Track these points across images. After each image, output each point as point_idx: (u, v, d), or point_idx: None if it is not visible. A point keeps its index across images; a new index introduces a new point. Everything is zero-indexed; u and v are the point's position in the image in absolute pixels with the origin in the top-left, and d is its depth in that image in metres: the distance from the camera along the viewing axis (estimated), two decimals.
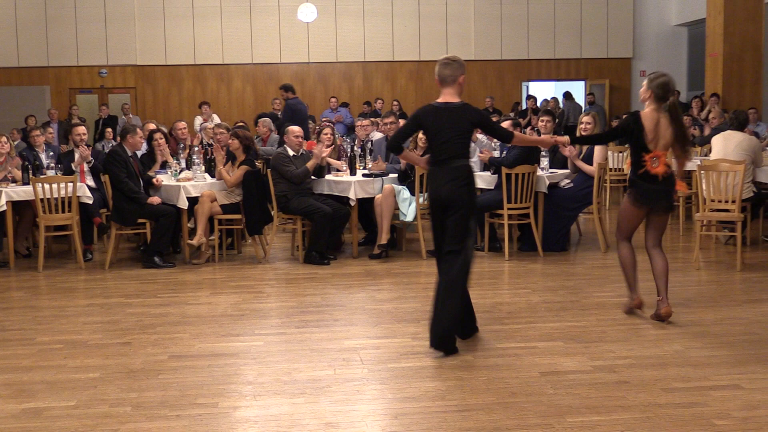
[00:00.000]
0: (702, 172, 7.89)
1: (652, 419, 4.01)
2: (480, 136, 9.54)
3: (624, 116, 6.30)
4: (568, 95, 17.51)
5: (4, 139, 8.86)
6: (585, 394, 4.37)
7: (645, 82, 5.68)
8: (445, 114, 5.12)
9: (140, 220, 8.19)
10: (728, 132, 8.49)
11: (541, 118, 9.21)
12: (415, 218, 8.22)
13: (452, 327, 5.06)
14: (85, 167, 8.94)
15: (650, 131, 5.47)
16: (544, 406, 4.19)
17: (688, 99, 15.97)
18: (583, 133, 8.51)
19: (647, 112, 5.53)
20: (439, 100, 5.19)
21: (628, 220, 5.90)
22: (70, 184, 8.16)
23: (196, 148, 9.22)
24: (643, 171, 5.53)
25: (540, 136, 8.77)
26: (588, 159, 8.42)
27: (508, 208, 8.07)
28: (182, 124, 10.22)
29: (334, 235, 8.47)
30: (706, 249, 8.43)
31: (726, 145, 8.31)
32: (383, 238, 8.20)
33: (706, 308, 6.24)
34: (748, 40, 13.33)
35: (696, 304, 6.38)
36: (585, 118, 8.65)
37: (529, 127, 9.70)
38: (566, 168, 8.67)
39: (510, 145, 7.74)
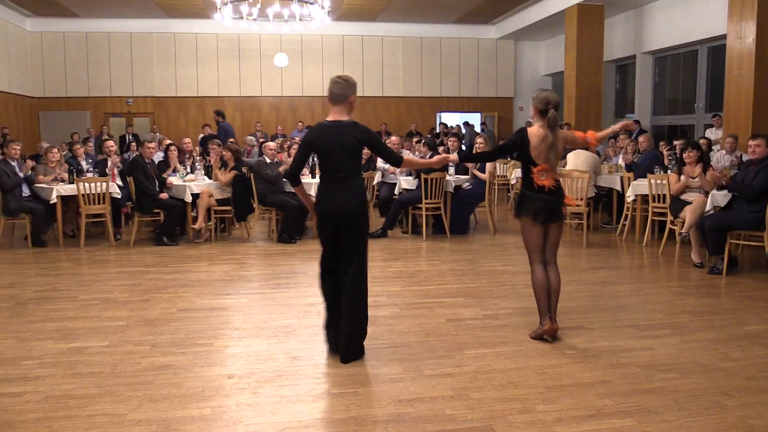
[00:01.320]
0: (560, 178, 8.07)
1: (523, 351, 4.11)
2: (405, 152, 9.55)
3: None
4: (467, 123, 17.64)
5: (56, 150, 8.60)
6: (478, 334, 4.44)
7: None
8: (334, 131, 3.88)
9: (156, 210, 8.04)
10: (577, 150, 8.68)
11: (450, 139, 9.28)
12: None
13: (360, 336, 4.02)
14: (116, 171, 8.71)
15: (536, 146, 4.22)
16: (450, 343, 4.25)
17: None
18: (478, 150, 8.60)
19: (534, 128, 4.29)
20: (329, 119, 3.95)
21: (531, 236, 4.38)
22: (104, 184, 7.95)
23: (198, 158, 9.05)
24: (532, 184, 4.29)
25: (448, 152, 8.84)
26: (482, 168, 8.53)
27: (426, 203, 8.11)
28: (187, 140, 10.03)
29: (299, 222, 8.42)
30: (563, 232, 8.62)
31: (576, 159, 8.50)
32: None
33: (562, 274, 6.33)
34: (592, 87, 13.63)
35: None
36: (479, 139, 8.74)
37: (442, 147, 9.65)
38: (467, 174, 8.76)
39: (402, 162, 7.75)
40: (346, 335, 3.93)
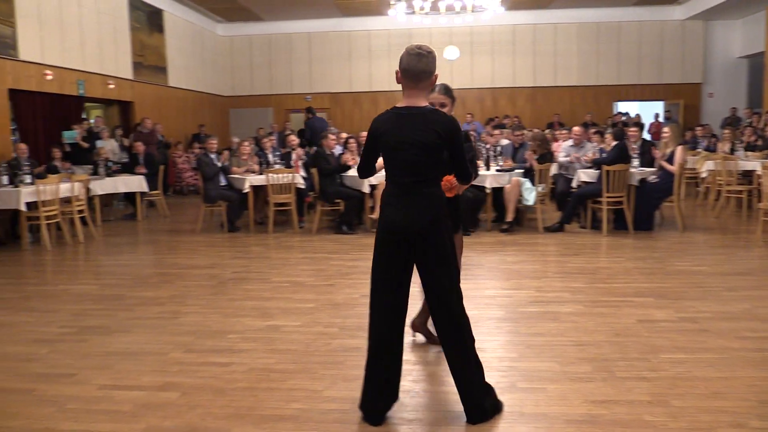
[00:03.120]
0: (764, 170, 7.27)
1: (728, 359, 3.74)
2: (565, 146, 9.02)
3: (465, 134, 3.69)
4: (625, 115, 16.50)
5: (247, 143, 9.35)
6: (673, 337, 4.13)
7: (441, 96, 3.70)
8: (410, 121, 2.86)
9: (336, 200, 8.44)
10: None
11: (631, 129, 8.76)
12: (535, 203, 8.05)
13: (483, 395, 3.04)
14: (299, 162, 9.28)
15: None
16: (642, 345, 4.00)
17: (749, 116, 14.64)
18: (664, 139, 8.07)
19: None
20: (402, 104, 2.91)
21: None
22: (290, 175, 8.50)
23: None
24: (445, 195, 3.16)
25: (631, 143, 8.31)
26: (670, 160, 7.93)
27: (607, 196, 7.71)
28: (365, 133, 10.39)
29: (473, 214, 8.38)
30: (767, 232, 7.76)
31: None
32: (510, 216, 8.05)
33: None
34: None
35: (759, 273, 5.88)
36: (665, 129, 8.17)
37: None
38: (653, 167, 8.21)
39: (610, 148, 7.40)
40: (466, 393, 3.00)
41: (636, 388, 3.36)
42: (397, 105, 2.93)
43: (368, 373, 3.05)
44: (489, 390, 3.09)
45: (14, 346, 4.28)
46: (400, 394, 3.32)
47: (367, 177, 3.22)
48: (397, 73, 2.93)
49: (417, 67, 2.85)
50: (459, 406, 3.18)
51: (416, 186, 2.88)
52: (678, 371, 3.58)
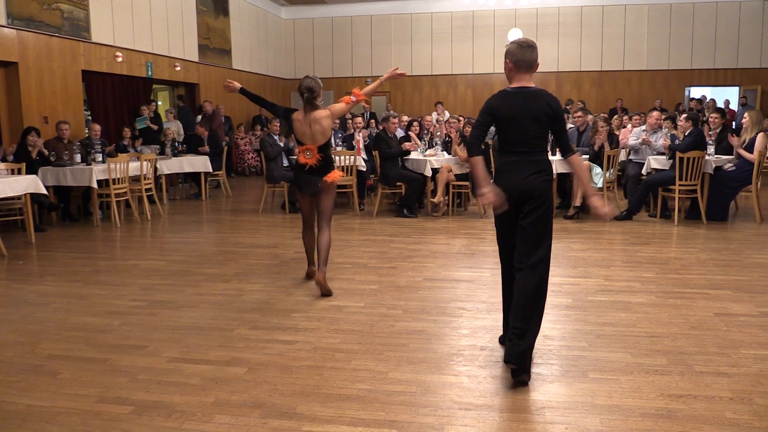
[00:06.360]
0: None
1: None
2: (637, 131, 8.64)
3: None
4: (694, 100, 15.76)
5: None
6: (755, 333, 3.92)
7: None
8: (522, 98, 3.26)
9: (397, 183, 8.38)
10: None
11: (711, 115, 8.36)
12: (602, 187, 7.79)
13: (531, 344, 3.26)
14: (361, 144, 9.26)
15: (297, 129, 4.77)
16: (721, 339, 3.80)
17: None
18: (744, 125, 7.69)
19: (296, 112, 4.80)
20: (514, 86, 3.32)
21: (302, 207, 4.99)
22: (351, 157, 8.49)
23: (439, 133, 9.26)
24: (298, 161, 4.85)
25: (709, 129, 7.93)
26: (749, 148, 7.53)
27: (680, 185, 7.39)
28: (429, 117, 10.32)
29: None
30: None
31: None
32: (577, 201, 7.83)
33: None
34: None
35: None
36: (744, 115, 7.78)
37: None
38: (730, 154, 7.82)
39: (686, 134, 7.08)
40: (512, 331, 3.19)
41: (715, 384, 3.20)
42: (510, 87, 3.33)
43: (504, 321, 3.56)
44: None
45: (89, 317, 4.43)
46: (467, 380, 3.27)
47: (476, 152, 3.35)
48: (507, 62, 3.34)
49: (531, 57, 3.31)
50: (528, 393, 3.11)
51: (529, 154, 3.27)
52: (761, 368, 3.39)
